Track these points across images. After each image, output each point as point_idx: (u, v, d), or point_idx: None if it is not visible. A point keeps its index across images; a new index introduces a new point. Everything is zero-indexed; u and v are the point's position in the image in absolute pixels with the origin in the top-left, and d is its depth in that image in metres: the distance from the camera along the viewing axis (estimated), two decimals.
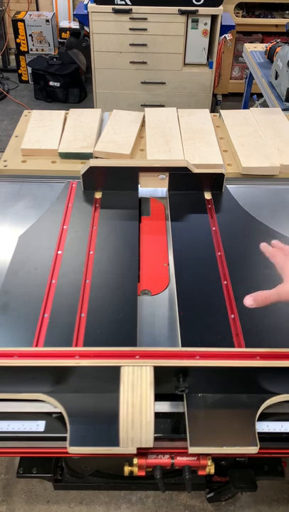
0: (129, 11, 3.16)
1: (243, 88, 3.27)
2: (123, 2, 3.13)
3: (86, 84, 4.36)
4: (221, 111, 1.91)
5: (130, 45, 3.32)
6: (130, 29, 3.25)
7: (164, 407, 0.94)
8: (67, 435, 0.87)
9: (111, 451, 0.86)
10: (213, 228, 1.32)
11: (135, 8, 3.16)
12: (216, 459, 1.02)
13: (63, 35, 4.57)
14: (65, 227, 1.32)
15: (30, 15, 4.39)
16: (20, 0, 4.58)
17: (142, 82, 3.50)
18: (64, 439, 0.87)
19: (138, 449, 0.86)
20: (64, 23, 4.60)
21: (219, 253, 1.23)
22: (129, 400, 0.83)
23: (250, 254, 1.22)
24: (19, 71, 4.58)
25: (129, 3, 3.14)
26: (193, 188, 1.45)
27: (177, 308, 1.07)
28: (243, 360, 0.89)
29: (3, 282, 1.14)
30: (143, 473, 0.95)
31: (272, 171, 1.58)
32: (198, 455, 0.93)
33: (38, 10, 4.61)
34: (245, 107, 3.24)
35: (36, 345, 0.99)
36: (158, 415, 0.89)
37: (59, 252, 1.23)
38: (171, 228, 1.33)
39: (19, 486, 1.79)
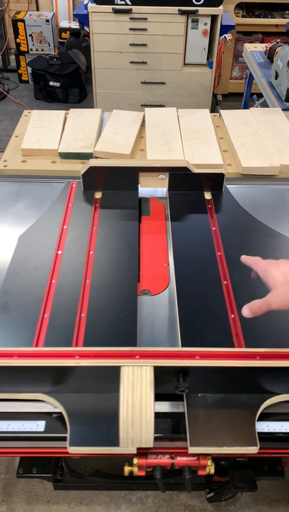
0: (129, 11, 3.16)
1: (243, 88, 3.27)
2: (123, 2, 3.13)
3: (86, 84, 4.36)
4: (221, 111, 1.91)
5: (130, 45, 3.32)
6: (130, 29, 3.25)
7: (164, 407, 0.94)
8: (67, 435, 0.87)
9: (111, 451, 0.86)
10: (213, 228, 1.32)
11: (135, 8, 3.15)
12: (216, 459, 1.02)
13: (63, 35, 4.57)
14: (65, 227, 1.32)
15: (30, 15, 4.38)
16: (20, 0, 4.58)
17: (142, 82, 3.50)
18: (64, 439, 0.87)
19: (138, 449, 0.86)
20: (64, 23, 4.60)
21: (219, 253, 1.23)
22: (129, 399, 0.83)
23: (250, 255, 1.21)
24: (19, 71, 4.58)
25: (129, 3, 3.14)
26: (193, 188, 1.45)
27: (177, 308, 1.07)
28: (243, 360, 0.89)
29: (3, 282, 1.14)
30: (143, 473, 0.95)
31: (272, 171, 1.58)
32: (198, 455, 0.93)
33: (38, 10, 4.61)
34: (245, 107, 3.24)
35: (36, 345, 0.99)
36: (158, 415, 0.89)
37: (59, 252, 1.23)
38: (171, 228, 1.33)
39: (19, 486, 1.79)
